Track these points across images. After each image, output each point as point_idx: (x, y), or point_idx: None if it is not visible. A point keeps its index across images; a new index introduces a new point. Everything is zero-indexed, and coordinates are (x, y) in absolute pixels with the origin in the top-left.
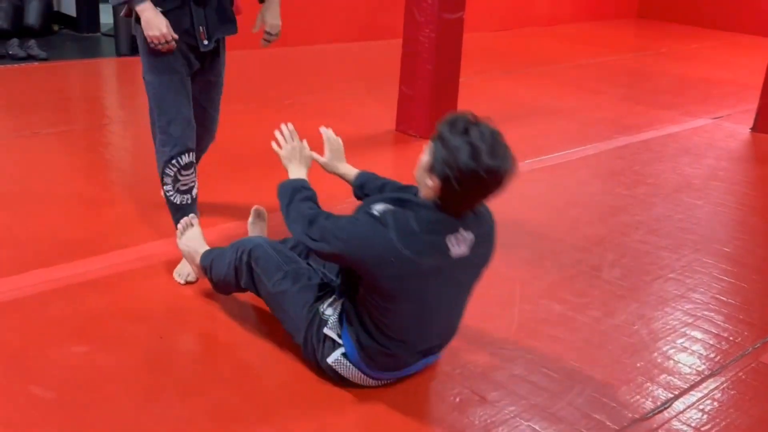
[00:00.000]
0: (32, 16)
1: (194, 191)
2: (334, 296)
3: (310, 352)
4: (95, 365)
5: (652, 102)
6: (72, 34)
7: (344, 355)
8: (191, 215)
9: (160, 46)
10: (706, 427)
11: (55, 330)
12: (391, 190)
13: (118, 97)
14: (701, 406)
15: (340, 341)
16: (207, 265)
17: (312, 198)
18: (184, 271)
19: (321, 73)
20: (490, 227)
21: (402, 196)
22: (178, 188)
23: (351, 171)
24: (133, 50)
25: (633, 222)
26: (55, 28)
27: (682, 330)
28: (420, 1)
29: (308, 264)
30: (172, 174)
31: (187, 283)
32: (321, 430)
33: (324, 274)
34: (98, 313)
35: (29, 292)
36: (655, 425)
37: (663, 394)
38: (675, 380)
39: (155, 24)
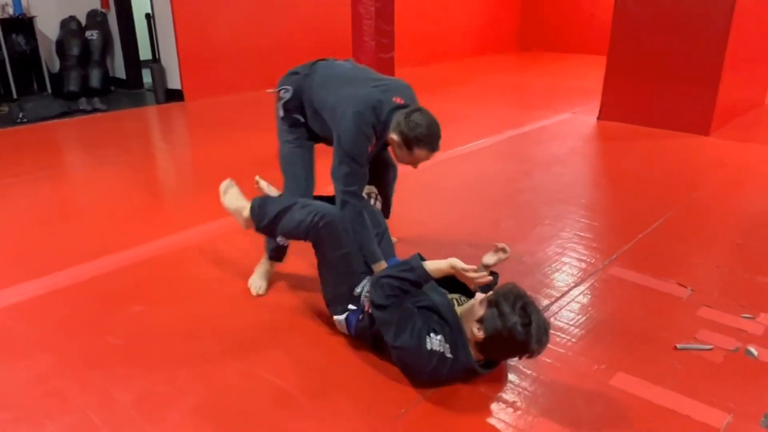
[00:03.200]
0: (95, 80)
1: None
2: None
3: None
4: (149, 319)
5: (530, 105)
6: (124, 91)
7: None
8: (228, 179)
9: None
10: (574, 320)
11: (121, 296)
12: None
13: (159, 133)
14: (569, 307)
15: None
16: (257, 211)
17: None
18: (256, 285)
19: None
20: None
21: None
22: None
23: None
24: (167, 99)
25: (520, 187)
26: (112, 87)
27: (556, 257)
28: (362, 46)
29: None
30: None
31: (258, 295)
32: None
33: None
34: (150, 283)
35: (102, 272)
36: None
37: (545, 301)
38: (552, 291)
39: None
